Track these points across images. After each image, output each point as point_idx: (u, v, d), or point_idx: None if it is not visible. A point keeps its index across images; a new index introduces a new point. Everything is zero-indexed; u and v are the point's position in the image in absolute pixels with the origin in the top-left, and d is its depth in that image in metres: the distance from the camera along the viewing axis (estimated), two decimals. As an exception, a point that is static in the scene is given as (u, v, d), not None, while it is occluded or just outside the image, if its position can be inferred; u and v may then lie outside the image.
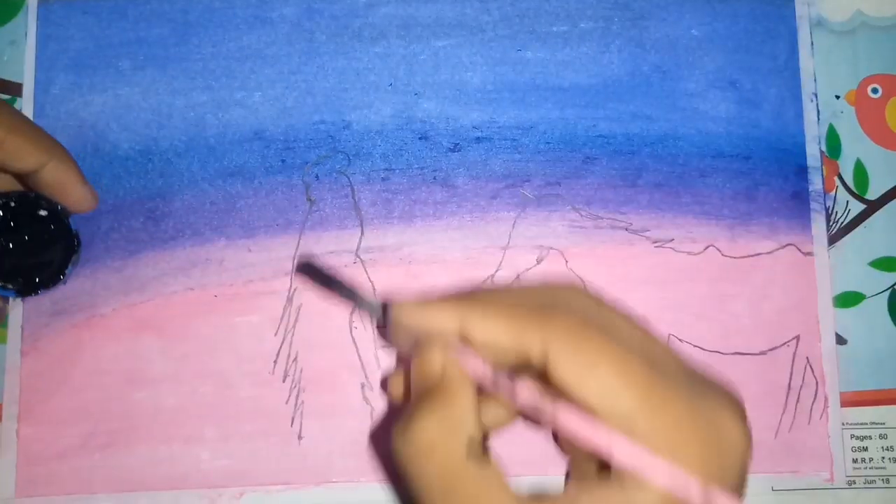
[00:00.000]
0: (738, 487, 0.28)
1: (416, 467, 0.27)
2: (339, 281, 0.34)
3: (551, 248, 0.41)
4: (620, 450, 0.26)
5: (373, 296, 0.33)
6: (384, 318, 0.31)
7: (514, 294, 0.30)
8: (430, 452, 0.27)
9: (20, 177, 0.36)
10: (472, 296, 0.30)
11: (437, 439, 0.27)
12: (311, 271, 0.35)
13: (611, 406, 0.26)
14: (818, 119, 0.43)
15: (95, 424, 0.39)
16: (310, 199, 0.41)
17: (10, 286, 0.36)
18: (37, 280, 0.37)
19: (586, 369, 0.26)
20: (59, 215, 0.37)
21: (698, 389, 0.28)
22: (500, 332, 0.28)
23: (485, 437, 0.29)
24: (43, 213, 0.36)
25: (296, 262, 0.39)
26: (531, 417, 0.29)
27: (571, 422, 0.27)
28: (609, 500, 0.26)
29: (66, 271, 0.38)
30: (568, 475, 0.32)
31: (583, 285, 0.31)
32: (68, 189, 0.36)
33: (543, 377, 0.28)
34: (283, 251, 0.41)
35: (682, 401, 0.27)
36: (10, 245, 0.36)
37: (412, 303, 0.30)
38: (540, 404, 0.27)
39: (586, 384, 0.26)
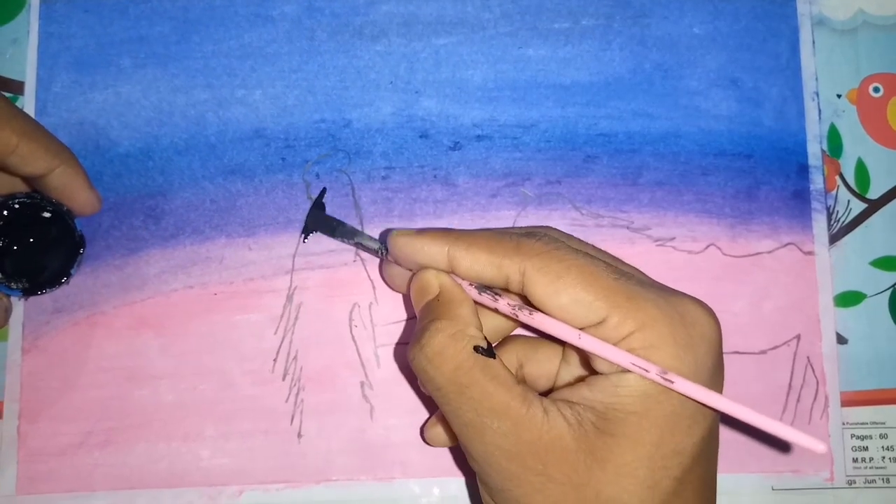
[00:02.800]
0: (713, 375, 0.30)
1: (430, 373, 0.31)
2: (343, 224, 0.38)
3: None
4: (587, 342, 0.30)
5: (375, 240, 0.37)
6: (385, 253, 0.35)
7: (495, 231, 0.33)
8: (440, 358, 0.31)
9: (27, 179, 0.36)
10: (459, 232, 0.33)
11: (444, 345, 0.31)
12: (317, 221, 0.38)
13: (584, 314, 0.30)
14: (819, 118, 0.43)
15: (96, 422, 0.39)
16: (310, 198, 0.41)
17: (15, 286, 0.36)
18: (42, 280, 0.37)
19: (557, 284, 0.30)
20: (64, 217, 0.37)
21: (666, 293, 0.30)
22: (481, 264, 0.31)
23: (488, 342, 0.32)
24: (48, 214, 0.36)
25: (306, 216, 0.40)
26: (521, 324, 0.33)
27: (547, 326, 0.31)
28: (600, 385, 0.30)
29: (71, 272, 0.38)
30: None
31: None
32: (75, 192, 0.36)
33: (525, 298, 0.31)
34: (283, 249, 0.41)
35: (650, 301, 0.29)
36: (15, 246, 0.36)
37: (408, 231, 0.33)
38: (521, 318, 0.32)
39: (558, 298, 0.30)
